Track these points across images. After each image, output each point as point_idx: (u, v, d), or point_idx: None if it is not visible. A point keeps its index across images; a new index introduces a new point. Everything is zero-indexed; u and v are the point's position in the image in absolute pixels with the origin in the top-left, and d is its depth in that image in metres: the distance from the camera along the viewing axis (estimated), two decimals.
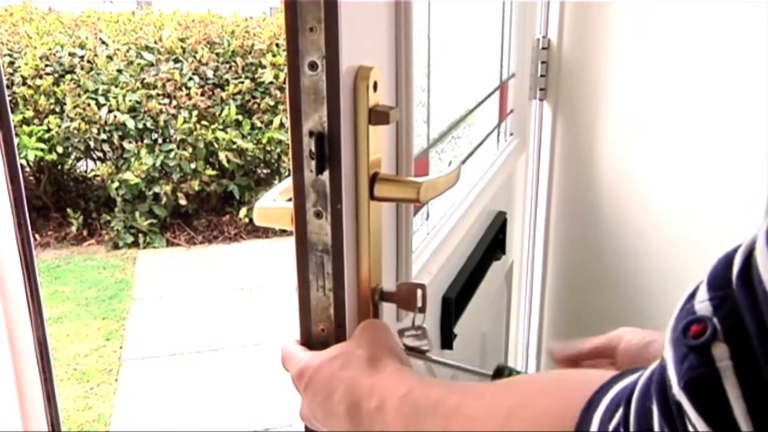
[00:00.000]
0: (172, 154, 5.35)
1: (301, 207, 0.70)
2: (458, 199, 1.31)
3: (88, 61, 5.50)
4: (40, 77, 5.31)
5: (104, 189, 5.52)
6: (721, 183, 1.65)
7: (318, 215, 0.70)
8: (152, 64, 5.58)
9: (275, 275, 4.95)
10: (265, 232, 5.61)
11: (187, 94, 5.41)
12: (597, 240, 1.81)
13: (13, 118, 4.87)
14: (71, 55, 5.51)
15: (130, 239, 5.46)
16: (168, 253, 5.47)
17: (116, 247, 5.46)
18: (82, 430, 3.58)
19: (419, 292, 0.78)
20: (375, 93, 0.69)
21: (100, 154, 5.61)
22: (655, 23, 1.65)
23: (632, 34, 1.69)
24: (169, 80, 5.44)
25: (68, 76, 5.38)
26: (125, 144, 5.36)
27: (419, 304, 0.79)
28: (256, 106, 5.58)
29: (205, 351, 4.15)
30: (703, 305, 0.35)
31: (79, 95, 5.30)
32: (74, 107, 5.25)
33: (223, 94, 5.51)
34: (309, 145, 0.66)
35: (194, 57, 5.62)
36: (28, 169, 5.51)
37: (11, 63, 5.39)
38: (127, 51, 5.59)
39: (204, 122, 5.41)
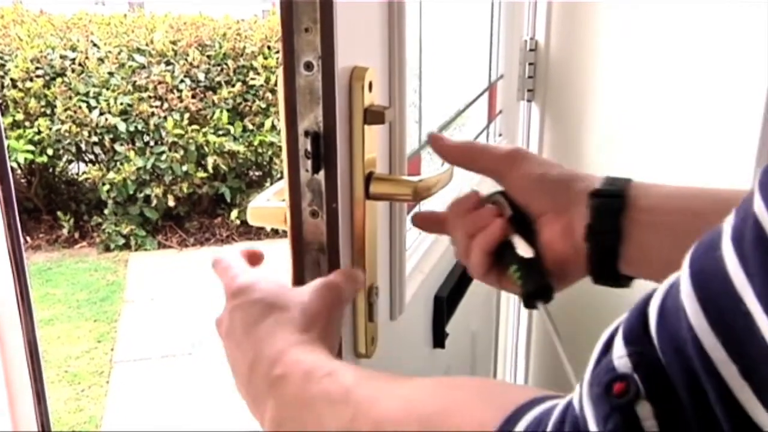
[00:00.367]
0: (163, 157, 5.34)
1: (296, 206, 0.71)
2: (450, 199, 1.32)
3: (80, 64, 5.49)
4: (31, 80, 5.30)
5: (95, 191, 5.51)
6: (708, 184, 1.67)
7: (314, 214, 0.71)
8: (144, 67, 5.57)
9: None
10: (257, 234, 5.61)
11: (179, 97, 5.41)
12: None
13: (3, 121, 4.86)
14: (62, 57, 5.50)
15: (121, 241, 5.45)
16: (159, 256, 5.47)
17: (108, 249, 5.45)
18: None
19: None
20: (370, 93, 0.70)
21: (92, 157, 5.60)
22: (642, 24, 1.67)
23: (619, 35, 1.71)
24: (160, 83, 5.44)
25: (59, 79, 5.37)
26: (116, 146, 5.35)
27: None
28: (247, 108, 5.58)
29: (197, 353, 4.16)
30: (622, 361, 0.35)
31: (71, 98, 5.30)
32: (65, 110, 5.25)
33: (215, 97, 5.51)
34: (305, 144, 0.67)
35: (186, 59, 5.61)
36: (19, 171, 5.50)
37: (1, 66, 5.37)
38: (119, 53, 5.58)
39: (195, 125, 5.41)
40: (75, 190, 5.77)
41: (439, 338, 1.20)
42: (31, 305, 0.83)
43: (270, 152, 5.60)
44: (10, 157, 4.30)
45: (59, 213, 5.54)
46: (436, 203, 1.18)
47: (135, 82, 5.46)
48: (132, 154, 5.31)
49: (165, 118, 5.33)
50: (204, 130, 5.41)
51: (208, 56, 5.70)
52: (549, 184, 0.68)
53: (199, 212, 5.85)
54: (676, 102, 1.67)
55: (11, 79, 5.29)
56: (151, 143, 5.46)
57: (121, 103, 5.34)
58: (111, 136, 5.34)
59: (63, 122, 5.24)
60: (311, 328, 0.62)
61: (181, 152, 5.35)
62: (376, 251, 0.79)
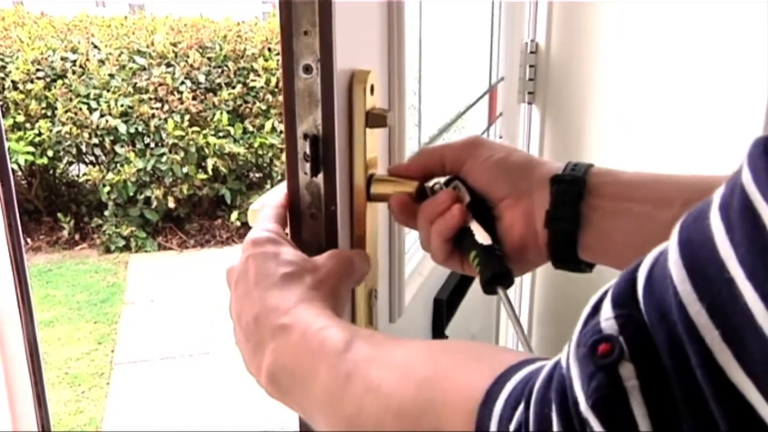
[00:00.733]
0: (163, 159, 5.35)
1: (296, 209, 0.71)
2: None
3: (80, 66, 5.50)
4: (32, 82, 5.31)
5: (96, 193, 5.51)
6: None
7: (313, 217, 0.71)
8: (144, 69, 5.58)
9: None
10: None
11: (179, 99, 5.42)
12: None
13: (4, 123, 4.87)
14: (63, 59, 5.51)
15: (121, 243, 5.45)
16: (160, 257, 5.47)
17: (108, 251, 5.45)
18: None
19: None
20: (372, 96, 0.70)
21: (92, 159, 5.61)
22: (643, 26, 1.67)
23: (620, 37, 1.71)
24: (161, 84, 5.44)
25: (60, 81, 5.38)
26: (117, 148, 5.36)
27: None
28: (248, 110, 5.59)
29: (197, 354, 4.16)
30: (608, 323, 0.36)
31: (71, 99, 5.30)
32: (66, 111, 5.25)
33: (215, 99, 5.51)
34: (304, 147, 0.67)
35: (186, 61, 5.62)
36: (19, 173, 5.50)
37: (2, 68, 5.38)
38: (119, 55, 5.59)
39: (196, 127, 5.41)
40: (75, 192, 5.78)
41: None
42: (32, 307, 0.83)
43: (270, 154, 5.61)
44: (10, 158, 4.29)
45: (60, 214, 5.55)
46: None
47: (135, 83, 5.47)
48: (132, 155, 5.31)
49: (165, 119, 5.34)
50: (204, 131, 5.42)
51: (209, 58, 5.70)
52: (509, 169, 0.69)
53: (200, 214, 5.85)
54: (678, 104, 1.67)
55: (12, 81, 5.30)
56: (152, 145, 5.46)
57: (122, 105, 5.35)
58: (111, 137, 5.35)
59: (63, 124, 5.24)
60: (321, 288, 0.63)
61: (182, 154, 5.35)
62: (377, 254, 0.79)
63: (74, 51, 5.62)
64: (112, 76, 5.46)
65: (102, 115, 5.31)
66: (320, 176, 0.68)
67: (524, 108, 1.83)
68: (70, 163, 5.68)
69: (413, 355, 0.52)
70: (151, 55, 5.67)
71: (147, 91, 5.45)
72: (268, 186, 5.69)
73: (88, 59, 5.52)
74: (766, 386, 0.30)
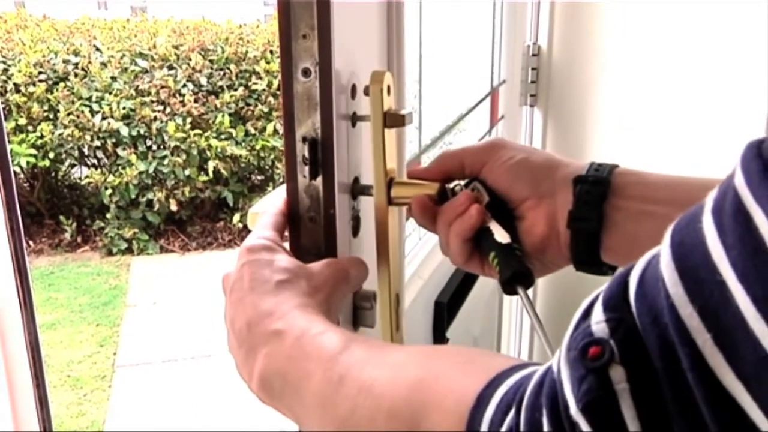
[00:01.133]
0: (165, 161, 5.35)
1: (295, 212, 0.71)
2: None
3: (82, 68, 5.50)
4: (34, 84, 5.31)
5: (98, 196, 5.52)
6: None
7: (312, 220, 0.71)
8: (146, 71, 5.58)
9: None
10: None
11: (181, 101, 5.42)
12: None
13: (6, 125, 4.87)
14: (65, 62, 5.52)
15: (123, 246, 5.45)
16: (162, 260, 5.47)
17: (110, 253, 5.45)
18: None
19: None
20: (389, 96, 0.70)
21: (94, 161, 5.62)
22: (644, 29, 1.67)
23: (622, 40, 1.71)
24: (163, 87, 5.45)
25: (62, 83, 5.38)
26: (119, 151, 5.36)
27: None
28: (249, 112, 5.59)
29: (199, 357, 4.16)
30: (599, 326, 0.36)
31: (73, 102, 5.31)
32: (68, 114, 5.26)
33: (217, 101, 5.52)
34: (302, 150, 0.67)
35: (188, 64, 5.63)
36: (21, 175, 5.51)
37: (5, 70, 5.39)
38: (121, 58, 5.60)
39: (197, 129, 5.42)
40: (77, 195, 5.78)
41: (439, 343, 1.20)
42: (34, 309, 0.83)
43: (272, 156, 5.61)
44: (12, 161, 4.31)
45: (62, 217, 5.55)
46: None
47: (137, 86, 5.48)
48: (134, 158, 5.32)
49: (167, 122, 5.34)
50: (206, 134, 5.42)
51: (211, 61, 5.71)
52: (532, 169, 0.68)
53: (202, 216, 5.85)
54: (680, 106, 1.67)
55: (14, 84, 5.30)
56: (154, 147, 5.47)
57: (124, 108, 5.35)
58: (113, 140, 5.35)
59: (66, 126, 5.25)
60: (315, 295, 0.63)
61: (184, 156, 5.35)
62: (398, 258, 0.79)
63: (76, 54, 5.63)
64: (114, 78, 5.47)
65: (104, 118, 5.32)
66: (319, 179, 0.68)
67: (526, 110, 1.83)
68: (72, 166, 5.69)
69: (406, 357, 0.52)
70: (153, 57, 5.67)
71: (149, 94, 5.46)
72: (269, 188, 5.69)
73: (90, 62, 5.53)
74: (757, 389, 0.30)
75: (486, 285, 1.60)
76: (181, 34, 5.98)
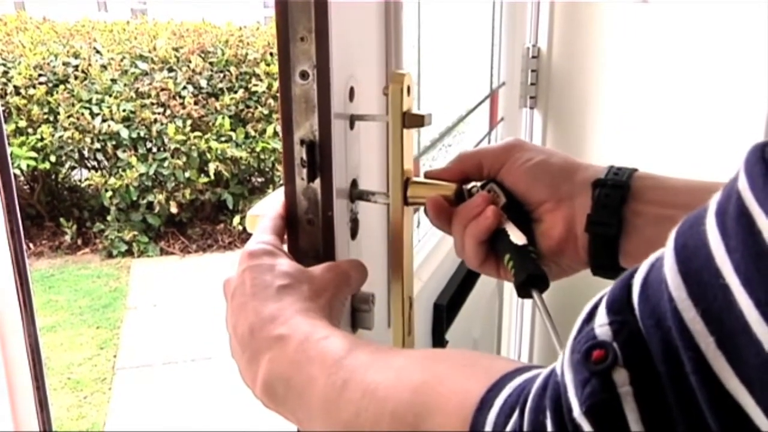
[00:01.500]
0: (165, 163, 5.35)
1: (293, 215, 0.71)
2: None
3: (82, 71, 5.51)
4: (34, 87, 5.32)
5: (98, 198, 5.52)
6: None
7: (310, 222, 0.71)
8: (146, 74, 5.59)
9: None
10: None
11: (181, 103, 5.42)
12: None
13: (6, 128, 4.87)
14: (65, 64, 5.52)
15: (124, 248, 5.45)
16: (162, 262, 5.47)
17: (110, 256, 5.45)
18: None
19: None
20: (408, 97, 0.70)
21: (94, 163, 5.62)
22: (644, 31, 1.67)
23: (621, 41, 1.71)
24: (163, 89, 5.45)
25: (62, 86, 5.39)
26: (119, 153, 5.37)
27: None
28: (249, 115, 5.59)
29: (199, 359, 4.16)
30: (603, 329, 0.36)
31: (73, 104, 5.31)
32: (68, 116, 5.26)
33: (217, 104, 5.52)
34: (300, 153, 0.67)
35: (188, 66, 5.63)
36: (22, 178, 5.51)
37: (5, 73, 5.39)
38: (122, 60, 5.60)
39: (198, 131, 5.42)
40: (78, 197, 5.79)
41: (438, 346, 1.20)
42: (34, 312, 0.83)
43: (272, 158, 5.61)
44: (13, 163, 4.31)
45: (62, 219, 5.55)
46: None
47: (137, 88, 5.48)
48: (134, 160, 5.32)
49: (167, 124, 5.34)
50: (206, 136, 5.42)
51: (211, 63, 5.71)
52: (551, 171, 0.67)
53: (202, 218, 5.85)
54: (680, 107, 1.67)
55: (14, 86, 5.31)
56: (154, 150, 5.47)
57: (124, 110, 5.35)
58: (113, 142, 5.35)
59: (66, 129, 5.25)
60: (316, 299, 0.62)
61: (184, 159, 5.36)
62: (412, 260, 0.78)
63: (76, 56, 5.63)
64: (114, 81, 5.47)
65: (104, 120, 5.32)
66: (317, 182, 0.68)
67: (526, 113, 1.83)
68: (73, 168, 5.69)
69: (409, 361, 0.52)
70: (153, 60, 5.68)
71: (149, 96, 5.46)
72: (270, 190, 5.69)
73: (90, 64, 5.53)
74: (760, 393, 0.30)
75: (486, 287, 1.60)
76: (181, 37, 5.99)
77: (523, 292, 0.65)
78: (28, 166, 5.21)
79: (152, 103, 5.44)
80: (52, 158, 5.31)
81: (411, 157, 0.73)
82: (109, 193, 5.36)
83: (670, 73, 1.66)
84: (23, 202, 5.42)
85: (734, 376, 0.31)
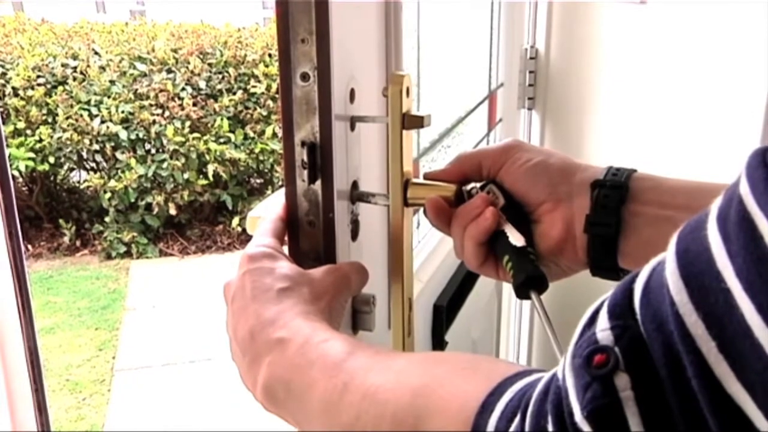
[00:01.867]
0: (164, 165, 5.35)
1: (293, 216, 0.71)
2: None
3: (81, 72, 5.50)
4: (32, 88, 5.31)
5: (97, 199, 5.52)
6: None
7: (311, 224, 0.71)
8: (145, 75, 5.58)
9: None
10: None
11: (180, 105, 5.42)
12: None
13: (5, 129, 4.87)
14: (64, 65, 5.51)
15: (122, 249, 5.45)
16: (161, 263, 5.47)
17: (109, 257, 5.45)
18: None
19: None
20: (408, 98, 0.70)
21: (93, 165, 5.61)
22: (642, 32, 1.67)
23: (619, 43, 1.71)
24: (161, 91, 5.45)
25: (61, 87, 5.38)
26: (118, 154, 5.36)
27: None
28: (248, 116, 5.59)
29: (199, 361, 4.15)
30: (604, 334, 0.36)
31: (72, 106, 5.31)
32: (66, 118, 5.26)
33: (216, 105, 5.52)
34: (301, 155, 0.67)
35: (187, 67, 5.63)
36: (20, 179, 5.50)
37: (3, 74, 5.39)
38: (120, 62, 5.60)
39: (196, 133, 5.42)
40: (76, 198, 5.78)
41: (438, 347, 1.20)
42: (32, 314, 0.83)
43: (271, 160, 5.61)
44: (11, 165, 4.30)
45: (60, 221, 5.55)
46: None
47: (136, 90, 5.48)
48: (133, 161, 5.32)
49: (166, 125, 5.34)
50: (205, 137, 5.42)
51: (210, 64, 5.71)
52: (549, 172, 0.68)
53: (201, 220, 5.85)
54: (678, 109, 1.67)
55: (13, 88, 5.30)
56: (153, 151, 5.47)
57: (123, 111, 5.35)
58: (112, 144, 5.35)
59: (64, 130, 5.25)
60: (317, 302, 0.63)
61: (183, 160, 5.35)
62: (412, 261, 0.78)
63: (75, 57, 5.63)
64: (112, 82, 5.47)
65: (103, 122, 5.31)
66: (318, 183, 0.68)
67: (524, 114, 1.84)
68: (71, 170, 5.68)
69: (410, 364, 0.52)
70: (152, 61, 5.67)
71: (148, 98, 5.46)
72: (269, 192, 5.69)
73: (88, 65, 5.52)
74: (762, 397, 0.30)
75: (484, 288, 1.60)
76: (180, 38, 5.98)
77: (522, 293, 0.65)
78: (26, 167, 5.20)
79: (151, 105, 5.43)
80: (51, 159, 5.31)
81: (411, 158, 0.73)
82: (108, 195, 5.36)
83: (667, 74, 1.66)
84: (22, 204, 5.42)
85: (736, 380, 0.31)
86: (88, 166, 5.64)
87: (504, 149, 0.70)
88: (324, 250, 0.71)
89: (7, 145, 4.17)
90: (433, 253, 1.22)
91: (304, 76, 0.65)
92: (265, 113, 5.59)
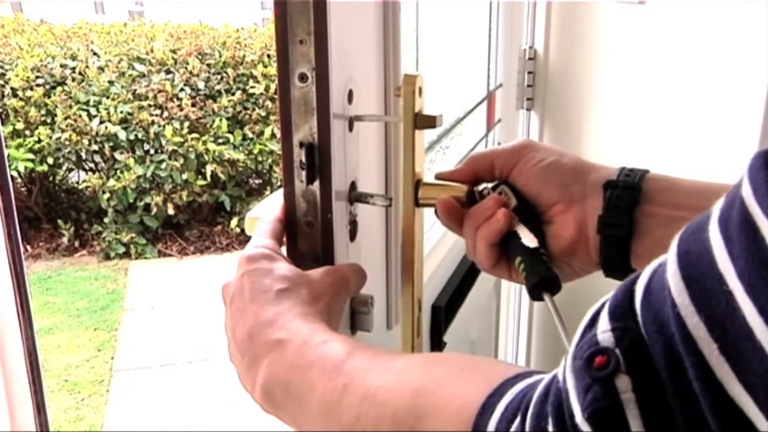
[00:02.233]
0: (163, 165, 5.35)
1: (292, 217, 0.71)
2: None
3: (80, 73, 5.50)
4: (31, 89, 5.31)
5: (95, 200, 5.51)
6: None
7: (309, 225, 0.71)
8: (144, 75, 5.58)
9: None
10: None
11: (179, 105, 5.42)
12: None
13: (3, 130, 4.87)
14: (63, 66, 5.51)
15: (121, 250, 5.45)
16: (160, 264, 5.47)
17: (108, 257, 5.45)
18: None
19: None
20: (420, 98, 0.70)
21: (92, 165, 5.61)
22: (641, 33, 1.67)
23: (618, 43, 1.71)
24: (160, 91, 5.45)
25: (59, 88, 5.38)
26: (116, 155, 5.36)
27: None
28: (247, 117, 5.59)
29: (197, 361, 4.15)
30: (605, 336, 0.36)
31: (71, 106, 5.30)
32: (65, 118, 5.25)
33: (215, 106, 5.51)
34: (299, 155, 0.67)
35: (185, 68, 5.62)
36: (19, 180, 5.50)
37: (2, 75, 5.38)
38: (119, 62, 5.60)
39: (195, 133, 5.41)
40: (75, 199, 5.78)
41: (436, 347, 1.20)
42: (31, 314, 0.83)
43: (270, 160, 5.61)
44: (10, 165, 4.30)
45: (59, 221, 5.55)
46: (430, 212, 1.18)
47: (135, 90, 5.47)
48: (132, 162, 5.32)
49: (165, 126, 5.34)
50: (204, 138, 5.42)
51: (208, 65, 5.71)
52: (562, 172, 0.67)
53: (199, 220, 5.85)
54: (677, 109, 1.67)
55: (11, 88, 5.30)
56: (151, 151, 5.46)
57: (121, 112, 5.35)
58: (111, 144, 5.35)
59: (63, 131, 5.24)
60: (315, 303, 0.62)
61: (181, 160, 5.35)
62: (422, 261, 0.78)
63: (74, 58, 5.62)
64: (111, 83, 5.47)
65: (101, 122, 5.31)
66: (316, 184, 0.68)
67: (523, 114, 1.84)
68: (70, 170, 5.68)
69: (409, 364, 0.52)
70: (151, 61, 5.67)
71: (146, 98, 5.45)
72: (267, 192, 5.69)
73: (87, 66, 5.52)
74: (763, 400, 0.30)
75: (483, 288, 1.60)
76: (179, 38, 5.98)
77: (535, 294, 0.64)
78: (25, 168, 5.20)
79: (150, 105, 5.43)
80: (50, 160, 5.31)
81: (422, 158, 0.73)
82: (107, 195, 5.36)
83: (666, 74, 1.66)
84: (20, 204, 5.42)
85: (737, 382, 0.31)
86: (86, 167, 5.64)
87: (516, 149, 0.70)
88: (322, 251, 0.71)
89: (6, 146, 4.17)
90: (431, 253, 1.22)
91: (303, 77, 0.65)
92: (263, 114, 5.59)
